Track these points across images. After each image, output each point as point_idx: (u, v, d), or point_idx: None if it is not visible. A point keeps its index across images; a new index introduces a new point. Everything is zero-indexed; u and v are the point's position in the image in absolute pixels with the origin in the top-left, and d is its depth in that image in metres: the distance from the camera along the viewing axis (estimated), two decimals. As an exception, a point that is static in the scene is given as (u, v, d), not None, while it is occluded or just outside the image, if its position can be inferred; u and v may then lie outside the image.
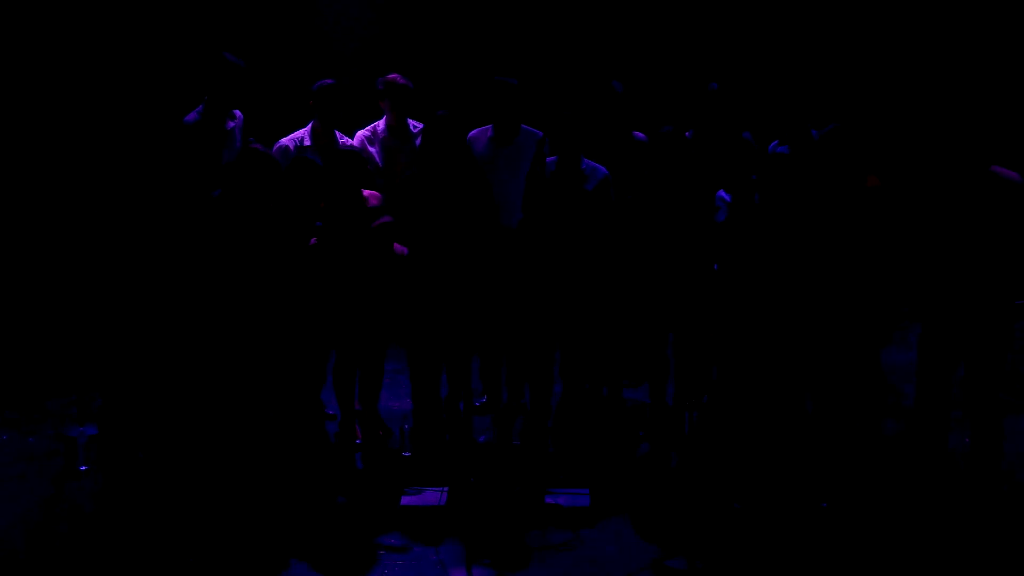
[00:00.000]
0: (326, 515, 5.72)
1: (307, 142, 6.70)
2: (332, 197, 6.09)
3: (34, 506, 5.79)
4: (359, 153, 6.29)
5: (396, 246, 6.21)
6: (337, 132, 6.82)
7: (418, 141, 6.82)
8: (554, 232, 6.24)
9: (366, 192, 6.22)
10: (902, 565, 5.18)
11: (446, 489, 5.82)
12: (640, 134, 6.78)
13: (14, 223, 7.92)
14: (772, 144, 6.80)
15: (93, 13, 8.03)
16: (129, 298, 5.90)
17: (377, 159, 6.82)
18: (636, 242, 6.21)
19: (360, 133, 6.86)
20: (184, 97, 6.96)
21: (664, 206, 6.15)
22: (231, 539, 5.47)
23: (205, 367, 6.01)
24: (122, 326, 5.92)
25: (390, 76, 6.83)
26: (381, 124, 6.88)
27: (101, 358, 6.01)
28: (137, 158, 6.04)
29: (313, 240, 6.10)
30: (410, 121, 6.94)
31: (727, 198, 6.10)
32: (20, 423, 6.80)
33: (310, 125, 6.79)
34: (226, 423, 6.02)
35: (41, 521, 5.65)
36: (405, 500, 5.78)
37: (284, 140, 6.72)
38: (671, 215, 6.14)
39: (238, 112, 6.87)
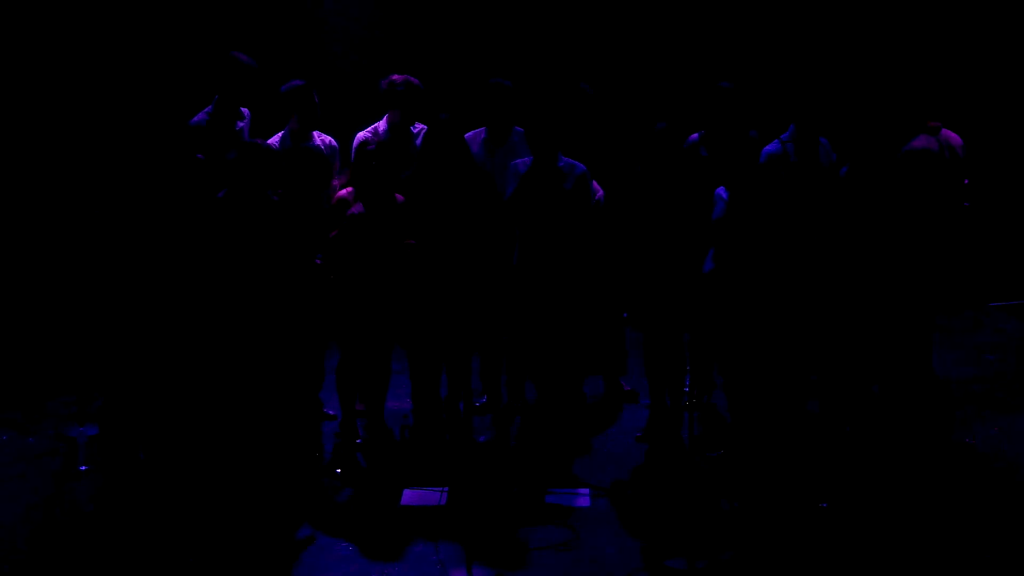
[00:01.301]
0: (325, 514, 5.73)
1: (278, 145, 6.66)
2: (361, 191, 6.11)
3: (34, 506, 5.79)
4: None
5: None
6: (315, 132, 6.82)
7: (418, 142, 6.81)
8: (536, 231, 6.25)
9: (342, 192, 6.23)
10: (902, 565, 5.18)
11: (446, 489, 5.82)
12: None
13: (16, 223, 7.92)
14: (772, 145, 6.78)
15: (99, 15, 8.03)
16: (129, 298, 5.90)
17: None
18: (628, 238, 6.23)
19: (361, 134, 6.83)
20: (191, 98, 6.97)
21: (658, 203, 6.16)
22: (229, 539, 5.47)
23: (204, 368, 6.01)
24: (122, 326, 5.92)
25: (404, 78, 6.77)
26: (382, 125, 6.86)
27: (101, 358, 6.01)
28: (141, 160, 6.03)
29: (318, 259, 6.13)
30: None
31: (724, 195, 6.10)
32: (20, 423, 6.80)
33: (288, 127, 6.76)
34: (225, 423, 6.02)
35: (41, 521, 5.65)
36: (405, 500, 5.79)
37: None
38: (665, 212, 6.15)
39: (246, 111, 6.87)
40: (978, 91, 8.62)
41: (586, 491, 5.85)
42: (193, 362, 6.03)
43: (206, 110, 6.73)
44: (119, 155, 6.23)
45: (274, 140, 6.68)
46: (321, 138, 6.81)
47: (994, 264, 8.43)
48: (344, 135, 6.90)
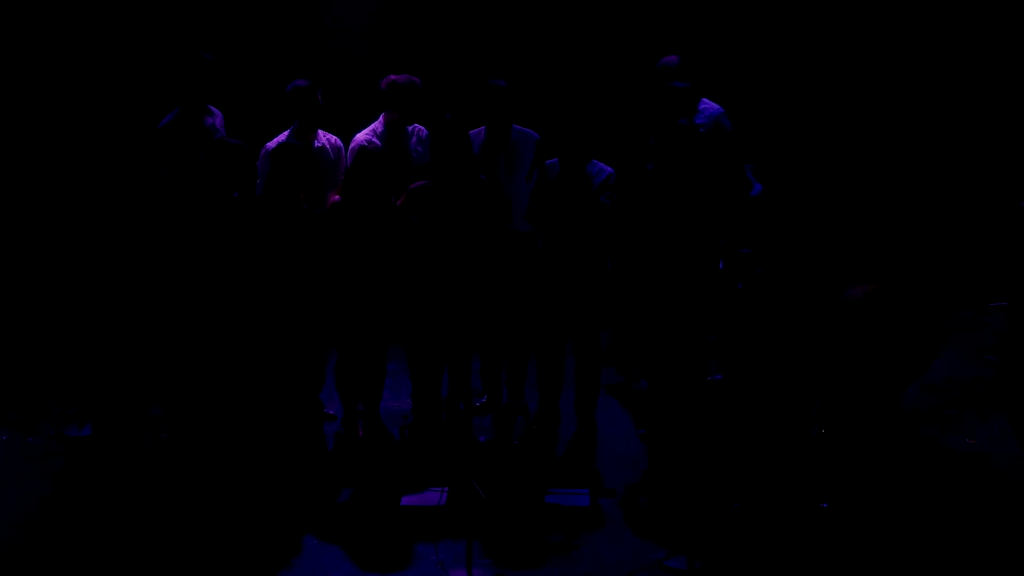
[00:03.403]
0: (325, 515, 5.73)
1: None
2: (347, 193, 6.12)
3: (34, 506, 5.79)
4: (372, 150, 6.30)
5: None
6: (320, 131, 6.81)
7: (413, 140, 6.81)
8: (564, 238, 6.25)
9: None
10: (902, 565, 5.18)
11: (446, 489, 5.81)
12: None
13: (16, 224, 7.93)
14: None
15: (101, 18, 8.04)
16: (127, 298, 5.90)
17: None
18: (643, 237, 6.24)
19: (359, 136, 6.81)
20: (160, 100, 6.97)
21: (671, 201, 6.16)
22: (230, 539, 5.47)
23: (203, 368, 6.01)
24: (119, 327, 5.92)
25: (406, 77, 6.77)
26: (379, 125, 6.85)
27: (99, 359, 6.01)
28: (125, 163, 6.04)
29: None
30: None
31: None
32: (21, 423, 6.79)
33: (292, 127, 6.76)
34: (225, 424, 6.02)
35: (41, 520, 5.65)
36: (405, 500, 5.78)
37: (270, 144, 6.70)
38: (678, 210, 6.15)
39: (216, 110, 6.86)
40: (978, 90, 8.60)
41: (586, 491, 5.85)
42: (191, 363, 6.04)
43: (174, 111, 6.73)
44: (110, 157, 6.23)
45: (279, 140, 6.69)
46: (327, 137, 6.80)
47: (995, 264, 8.41)
48: (348, 136, 6.90)
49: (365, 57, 8.29)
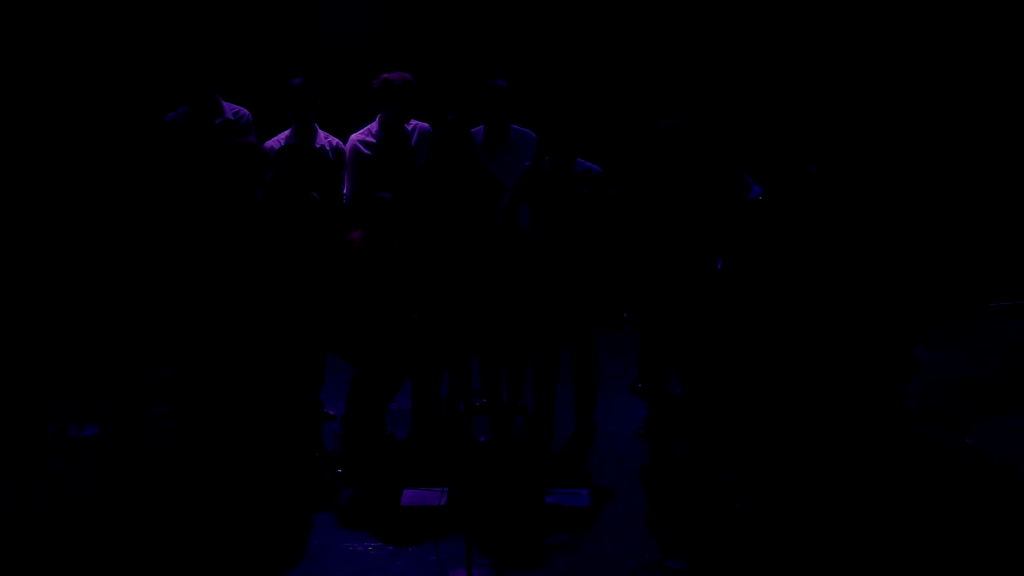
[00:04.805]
0: (325, 514, 5.73)
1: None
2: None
3: (34, 505, 5.79)
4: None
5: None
6: (322, 132, 6.81)
7: (414, 140, 6.80)
8: (551, 235, 6.25)
9: None
10: (903, 565, 5.18)
11: (446, 489, 5.81)
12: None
13: (18, 222, 7.91)
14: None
15: (102, 15, 8.05)
16: (126, 298, 5.90)
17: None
18: (638, 238, 6.23)
19: (355, 136, 6.81)
20: (171, 97, 6.97)
21: (666, 203, 6.15)
22: (230, 540, 5.47)
23: (204, 369, 6.01)
24: (120, 326, 5.92)
25: (393, 75, 6.77)
26: (375, 125, 6.84)
27: (101, 358, 6.01)
28: (130, 159, 6.04)
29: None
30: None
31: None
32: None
33: (292, 126, 6.75)
34: (226, 424, 6.01)
35: (40, 520, 5.65)
36: (405, 500, 5.78)
37: (270, 142, 6.69)
38: (673, 212, 6.14)
39: (242, 110, 6.85)
40: (977, 90, 8.61)
41: (586, 491, 5.85)
42: (192, 364, 6.04)
43: (183, 108, 6.72)
44: (113, 155, 6.22)
45: (279, 139, 6.69)
46: (327, 139, 6.80)
47: (995, 264, 8.43)
48: (346, 136, 6.90)
49: (365, 57, 8.29)
